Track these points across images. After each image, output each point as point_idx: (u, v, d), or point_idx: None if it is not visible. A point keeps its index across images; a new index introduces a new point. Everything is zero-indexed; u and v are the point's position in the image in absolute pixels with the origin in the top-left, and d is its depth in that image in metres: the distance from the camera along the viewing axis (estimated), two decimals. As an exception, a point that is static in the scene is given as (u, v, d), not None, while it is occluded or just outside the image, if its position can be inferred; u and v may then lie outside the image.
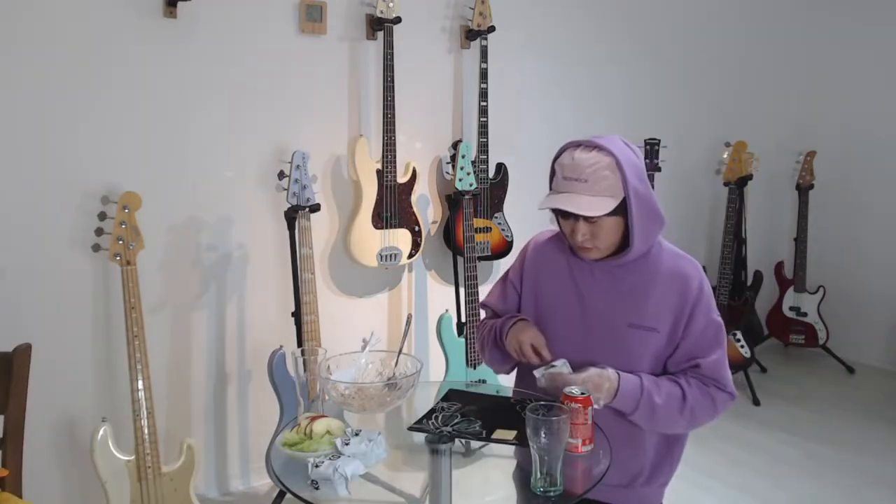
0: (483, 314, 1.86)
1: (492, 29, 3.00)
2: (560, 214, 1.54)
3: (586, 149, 1.48)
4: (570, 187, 1.47)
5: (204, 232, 2.58)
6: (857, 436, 3.31)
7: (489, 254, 3.10)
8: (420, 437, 1.42)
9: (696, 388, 1.52)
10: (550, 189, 1.56)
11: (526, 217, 3.19)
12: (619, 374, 1.49)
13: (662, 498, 1.66)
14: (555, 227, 1.67)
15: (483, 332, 1.77)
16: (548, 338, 1.60)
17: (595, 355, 1.54)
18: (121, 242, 2.14)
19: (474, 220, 2.97)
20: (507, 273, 1.78)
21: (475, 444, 1.47)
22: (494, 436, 1.42)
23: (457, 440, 1.42)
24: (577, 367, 1.51)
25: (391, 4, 2.72)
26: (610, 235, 1.50)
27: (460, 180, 2.86)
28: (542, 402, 1.31)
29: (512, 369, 1.76)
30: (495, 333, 1.69)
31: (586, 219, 1.48)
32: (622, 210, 1.47)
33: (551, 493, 1.25)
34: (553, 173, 1.55)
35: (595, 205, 1.45)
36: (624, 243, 1.54)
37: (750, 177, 3.76)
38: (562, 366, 1.51)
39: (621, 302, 1.55)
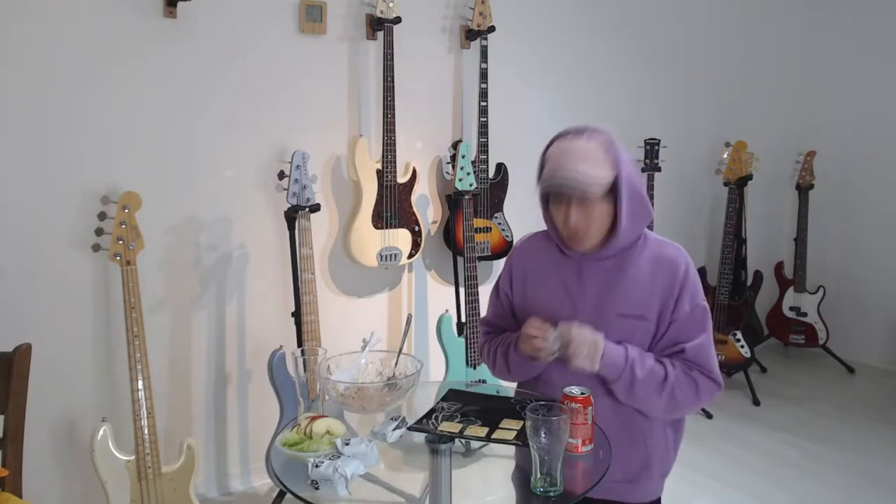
0: (484, 330, 1.81)
1: (492, 29, 3.00)
2: (553, 201, 1.54)
3: (576, 136, 1.50)
4: (567, 162, 1.47)
5: (204, 232, 2.58)
6: (857, 436, 3.31)
7: (489, 254, 3.10)
8: (420, 437, 1.42)
9: (679, 371, 1.53)
10: (539, 180, 1.54)
11: (526, 217, 3.19)
12: (605, 341, 1.51)
13: (662, 490, 1.66)
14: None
15: (494, 346, 1.72)
16: None
17: None
18: (121, 242, 2.14)
19: (474, 220, 2.97)
20: (496, 284, 1.77)
21: (475, 444, 1.47)
22: (494, 436, 1.42)
23: (457, 440, 1.42)
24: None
25: (391, 4, 2.72)
26: (601, 221, 1.51)
27: (460, 180, 2.86)
28: (542, 402, 1.31)
29: (535, 373, 1.68)
30: (508, 345, 1.66)
31: (581, 201, 1.48)
32: (612, 198, 1.49)
33: (551, 494, 1.25)
34: (542, 166, 1.55)
35: (594, 171, 1.45)
36: (610, 237, 1.55)
37: (750, 177, 3.76)
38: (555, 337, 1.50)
39: (609, 293, 1.56)
